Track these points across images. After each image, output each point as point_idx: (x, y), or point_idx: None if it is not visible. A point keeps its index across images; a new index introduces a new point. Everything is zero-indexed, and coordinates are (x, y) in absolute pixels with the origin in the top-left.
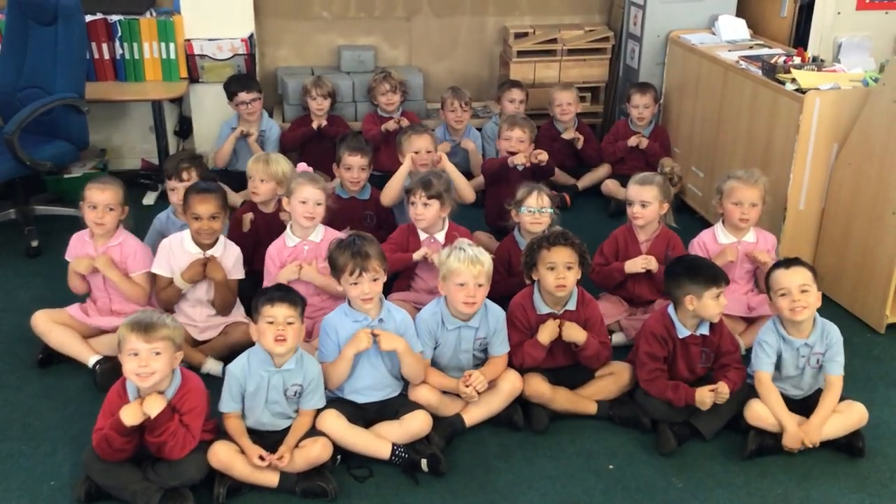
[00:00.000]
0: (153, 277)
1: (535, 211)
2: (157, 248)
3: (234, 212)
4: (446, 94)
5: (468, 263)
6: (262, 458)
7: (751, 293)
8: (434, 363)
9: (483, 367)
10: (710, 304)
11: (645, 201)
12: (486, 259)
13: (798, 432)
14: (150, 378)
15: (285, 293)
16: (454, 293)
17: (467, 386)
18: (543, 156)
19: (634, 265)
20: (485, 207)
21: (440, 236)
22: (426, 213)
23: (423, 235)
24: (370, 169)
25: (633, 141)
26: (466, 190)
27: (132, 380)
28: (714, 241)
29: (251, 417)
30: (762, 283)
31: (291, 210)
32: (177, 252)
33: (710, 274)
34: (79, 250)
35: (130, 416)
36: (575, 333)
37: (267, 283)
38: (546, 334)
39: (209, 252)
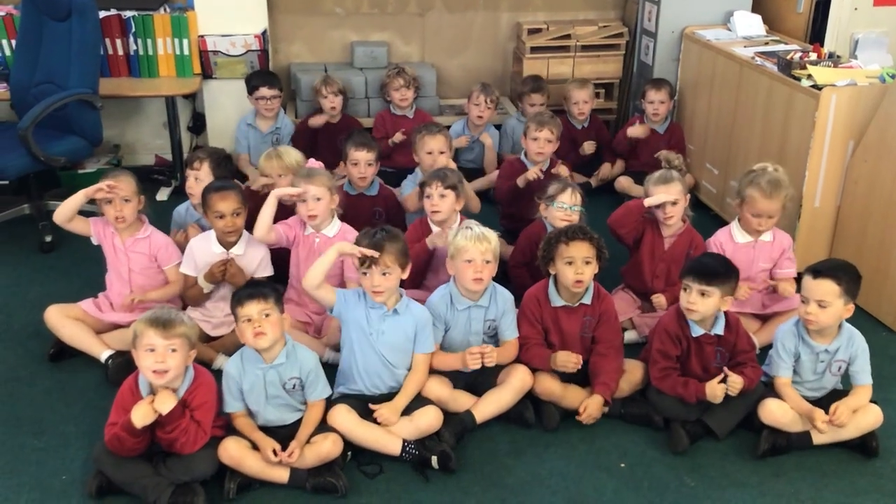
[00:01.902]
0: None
1: (567, 208)
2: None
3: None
4: (475, 88)
5: (475, 241)
6: (274, 452)
7: (765, 291)
8: (445, 349)
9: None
10: (680, 294)
11: (676, 199)
12: (493, 237)
13: (824, 416)
14: (165, 375)
15: (253, 289)
16: (462, 270)
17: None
18: (563, 170)
19: (656, 199)
20: (499, 208)
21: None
22: (442, 205)
23: (435, 230)
24: (377, 165)
25: (632, 131)
26: (474, 200)
27: (148, 377)
28: (730, 241)
29: (259, 417)
30: (778, 284)
31: (297, 209)
32: (204, 252)
33: (699, 269)
34: (103, 235)
35: (140, 416)
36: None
37: (293, 258)
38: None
39: (232, 251)
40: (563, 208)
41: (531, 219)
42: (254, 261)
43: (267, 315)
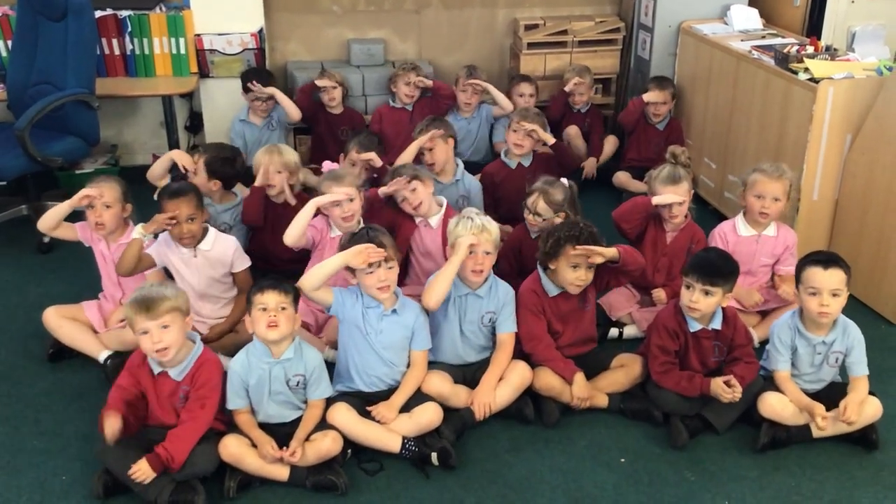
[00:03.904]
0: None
1: (530, 212)
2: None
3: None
4: (461, 73)
5: (476, 231)
6: (273, 449)
7: (765, 286)
8: (441, 336)
9: (492, 358)
10: (682, 292)
11: (683, 199)
12: (494, 228)
13: (824, 411)
14: (167, 352)
15: (275, 281)
16: (464, 262)
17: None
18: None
19: (665, 199)
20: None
21: (434, 221)
22: (416, 197)
23: (417, 219)
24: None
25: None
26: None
27: (152, 356)
28: (734, 232)
29: (259, 413)
30: (779, 284)
31: (329, 214)
32: (172, 253)
33: (704, 268)
34: (91, 240)
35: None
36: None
37: (314, 260)
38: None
39: (199, 247)
40: (526, 210)
41: (518, 217)
42: (226, 254)
43: (283, 308)
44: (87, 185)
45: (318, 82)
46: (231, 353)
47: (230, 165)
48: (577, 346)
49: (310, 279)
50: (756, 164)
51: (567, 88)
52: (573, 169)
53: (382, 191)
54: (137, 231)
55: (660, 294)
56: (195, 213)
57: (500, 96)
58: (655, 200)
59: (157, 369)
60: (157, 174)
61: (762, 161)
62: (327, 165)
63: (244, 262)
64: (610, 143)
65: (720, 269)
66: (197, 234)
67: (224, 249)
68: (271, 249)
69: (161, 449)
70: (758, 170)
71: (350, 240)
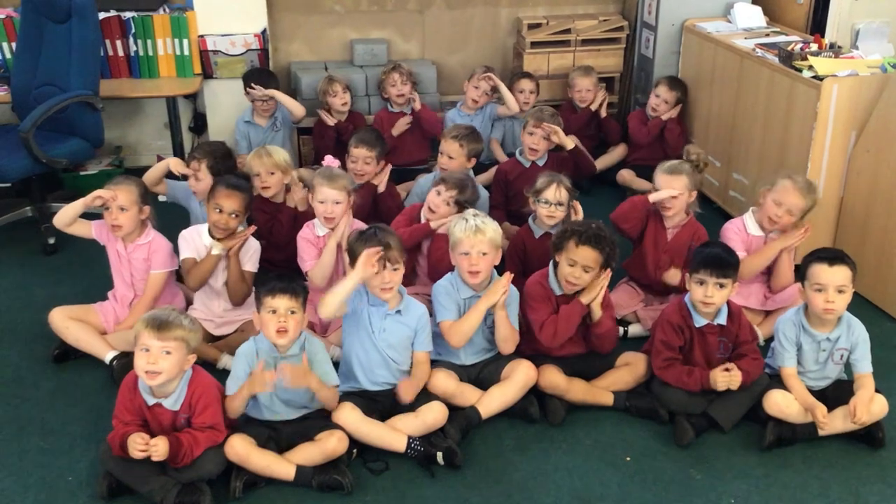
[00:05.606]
0: (171, 275)
1: (552, 204)
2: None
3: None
4: (478, 70)
5: (471, 233)
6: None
7: (766, 285)
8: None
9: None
10: (694, 289)
11: (676, 194)
12: (490, 228)
13: (825, 412)
14: (157, 377)
15: (287, 284)
16: (460, 263)
17: None
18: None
19: (660, 195)
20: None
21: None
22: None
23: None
24: (377, 163)
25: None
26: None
27: (141, 376)
28: (744, 231)
29: (265, 410)
30: (777, 279)
31: (314, 208)
32: (197, 241)
33: (715, 262)
34: (106, 239)
35: (134, 452)
36: (594, 301)
37: (305, 267)
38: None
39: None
40: (548, 204)
41: (527, 213)
42: (244, 254)
43: (293, 312)
44: (106, 184)
45: (327, 92)
46: (234, 353)
47: (230, 159)
48: (578, 345)
49: (329, 307)
50: (762, 162)
51: (594, 107)
52: (590, 173)
53: (429, 218)
54: (217, 248)
55: (675, 274)
56: (240, 212)
57: (508, 96)
58: (651, 198)
59: (150, 400)
60: (153, 181)
61: (788, 169)
62: (328, 161)
63: (252, 266)
64: (619, 150)
65: (728, 260)
66: (232, 230)
67: (245, 249)
68: (265, 253)
69: (184, 438)
70: (790, 177)
71: (358, 238)
